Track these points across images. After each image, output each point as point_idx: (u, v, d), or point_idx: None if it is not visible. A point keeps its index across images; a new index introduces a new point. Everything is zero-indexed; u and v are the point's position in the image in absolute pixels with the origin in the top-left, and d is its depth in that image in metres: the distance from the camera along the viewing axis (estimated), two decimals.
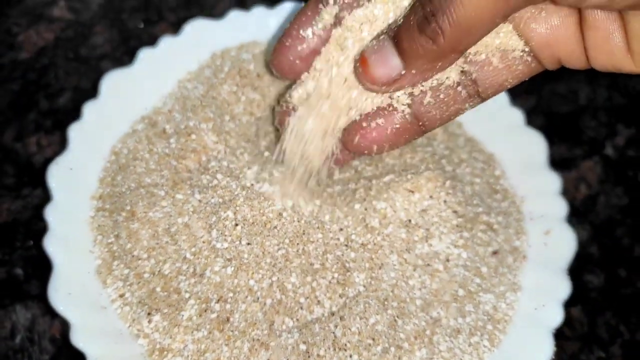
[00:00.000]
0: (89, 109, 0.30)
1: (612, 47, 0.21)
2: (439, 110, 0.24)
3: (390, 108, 0.24)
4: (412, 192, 0.27)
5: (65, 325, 0.28)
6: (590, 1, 0.19)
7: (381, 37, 0.22)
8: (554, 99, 0.39)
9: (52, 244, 0.26)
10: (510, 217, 0.30)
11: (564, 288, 0.27)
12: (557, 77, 0.40)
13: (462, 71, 0.23)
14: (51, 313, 0.29)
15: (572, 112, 0.39)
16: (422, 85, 0.23)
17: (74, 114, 0.33)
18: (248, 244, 0.26)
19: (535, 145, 0.32)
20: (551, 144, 0.35)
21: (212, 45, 0.33)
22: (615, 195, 0.35)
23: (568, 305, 0.30)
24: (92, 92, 0.35)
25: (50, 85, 0.37)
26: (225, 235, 0.26)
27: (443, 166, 0.30)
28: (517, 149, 0.32)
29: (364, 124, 0.24)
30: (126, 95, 0.31)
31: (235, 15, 0.34)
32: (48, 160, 0.33)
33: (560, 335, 0.30)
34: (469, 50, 0.22)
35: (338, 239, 0.26)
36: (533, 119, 0.37)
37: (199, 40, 0.33)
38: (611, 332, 0.30)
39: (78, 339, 0.23)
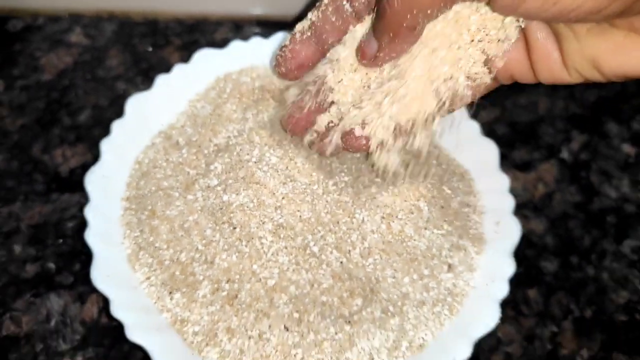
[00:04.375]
0: (117, 126, 0.35)
1: (551, 63, 0.26)
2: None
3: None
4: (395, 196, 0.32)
5: (101, 305, 0.32)
6: (577, 12, 0.22)
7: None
8: (515, 110, 0.43)
9: (91, 237, 0.31)
10: (472, 214, 0.35)
11: (509, 267, 0.32)
12: (519, 90, 0.43)
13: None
14: (81, 300, 0.32)
15: (532, 121, 0.42)
16: None
17: (95, 129, 0.37)
18: (247, 242, 0.30)
19: (489, 150, 0.36)
20: (513, 148, 0.39)
21: (217, 70, 0.38)
22: (569, 193, 0.39)
23: (525, 287, 0.33)
24: (109, 109, 0.39)
25: (71, 104, 0.40)
26: (226, 238, 0.30)
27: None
28: (474, 155, 0.36)
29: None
30: (146, 114, 0.36)
31: (236, 45, 0.39)
32: (73, 170, 0.37)
33: (518, 312, 0.33)
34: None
35: (320, 230, 0.31)
36: (497, 127, 0.40)
37: (206, 67, 0.38)
38: (563, 310, 0.34)
39: (117, 311, 0.28)
